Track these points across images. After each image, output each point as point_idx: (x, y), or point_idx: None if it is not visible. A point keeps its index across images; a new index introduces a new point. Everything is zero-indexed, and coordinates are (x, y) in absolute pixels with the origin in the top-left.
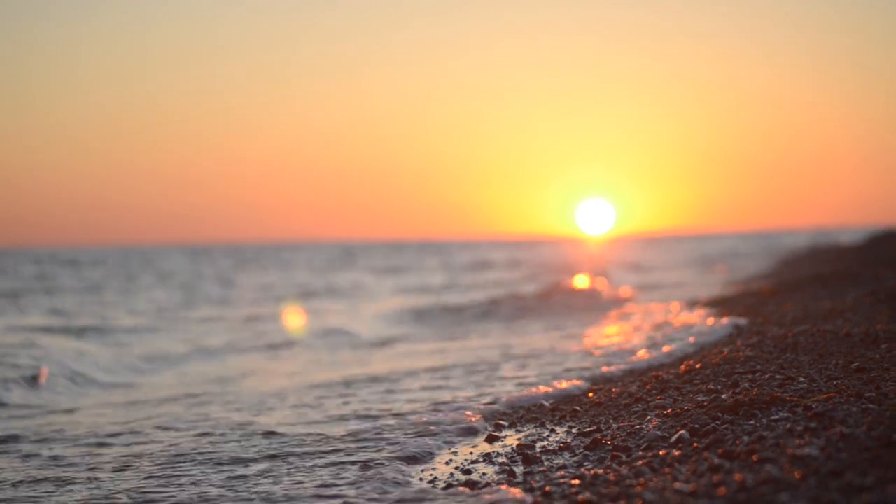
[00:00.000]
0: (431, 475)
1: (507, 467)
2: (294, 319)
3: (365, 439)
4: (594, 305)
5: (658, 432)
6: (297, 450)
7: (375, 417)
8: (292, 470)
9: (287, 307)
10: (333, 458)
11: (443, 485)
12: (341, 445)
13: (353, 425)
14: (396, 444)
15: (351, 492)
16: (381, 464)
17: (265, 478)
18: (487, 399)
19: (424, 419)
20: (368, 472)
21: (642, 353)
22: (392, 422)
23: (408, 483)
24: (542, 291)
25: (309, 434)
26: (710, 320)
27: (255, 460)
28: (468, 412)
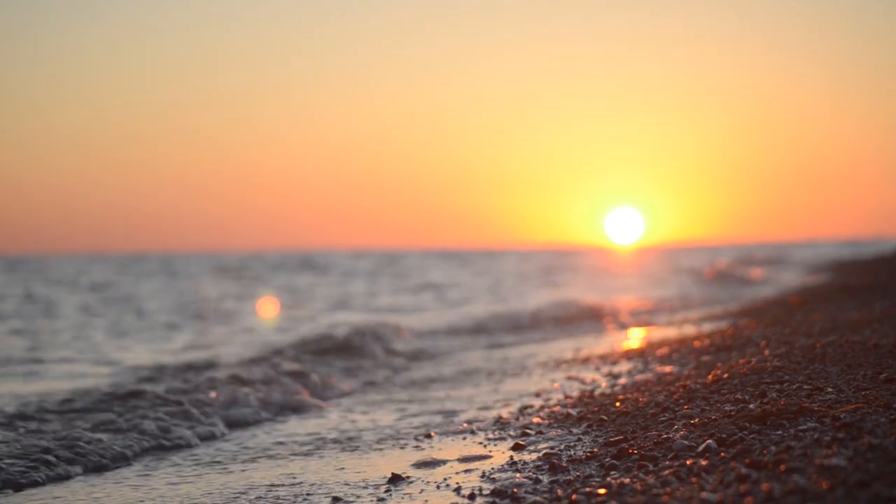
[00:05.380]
0: (457, 483)
1: (533, 476)
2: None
3: None
4: None
5: (685, 442)
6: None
7: None
8: None
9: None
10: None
11: (467, 492)
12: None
13: None
14: None
15: None
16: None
17: None
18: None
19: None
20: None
21: None
22: None
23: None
24: None
25: None
26: None
27: None
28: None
